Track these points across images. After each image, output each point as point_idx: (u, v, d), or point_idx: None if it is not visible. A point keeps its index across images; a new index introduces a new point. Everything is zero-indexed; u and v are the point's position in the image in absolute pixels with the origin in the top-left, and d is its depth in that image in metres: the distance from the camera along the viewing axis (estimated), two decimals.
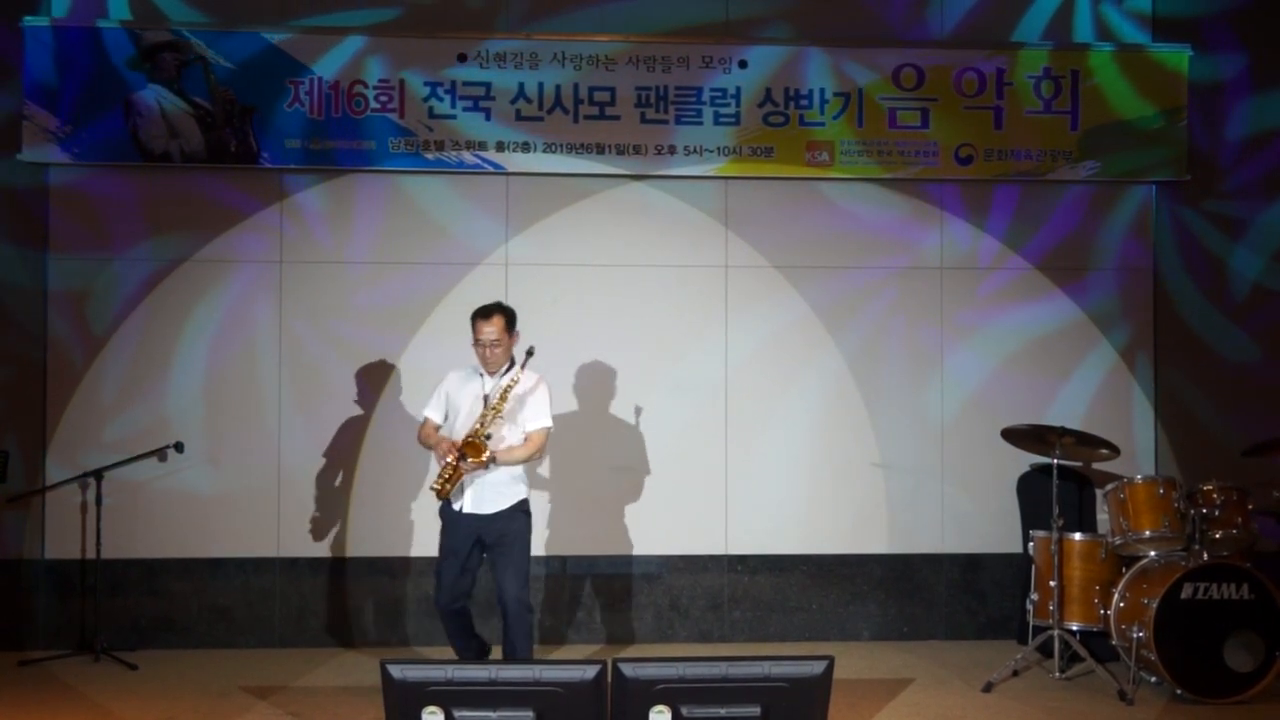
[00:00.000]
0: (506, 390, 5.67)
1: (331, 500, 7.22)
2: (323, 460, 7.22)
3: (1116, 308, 7.58)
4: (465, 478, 5.69)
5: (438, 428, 5.88)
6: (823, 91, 7.42)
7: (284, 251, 7.27)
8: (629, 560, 7.35)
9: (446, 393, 5.90)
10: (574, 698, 4.75)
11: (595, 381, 7.30)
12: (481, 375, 5.86)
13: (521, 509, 5.85)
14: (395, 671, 4.71)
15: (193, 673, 6.55)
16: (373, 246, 7.32)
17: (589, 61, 7.30)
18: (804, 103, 7.41)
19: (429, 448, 5.89)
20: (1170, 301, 7.58)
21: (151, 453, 6.85)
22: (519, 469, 5.85)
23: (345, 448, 7.23)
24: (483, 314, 5.83)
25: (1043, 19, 7.61)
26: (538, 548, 7.22)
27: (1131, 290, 7.58)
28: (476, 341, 5.81)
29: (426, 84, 7.22)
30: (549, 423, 5.90)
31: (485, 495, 5.75)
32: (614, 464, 7.33)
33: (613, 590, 7.35)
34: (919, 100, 7.45)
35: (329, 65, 7.16)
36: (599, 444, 7.31)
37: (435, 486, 5.68)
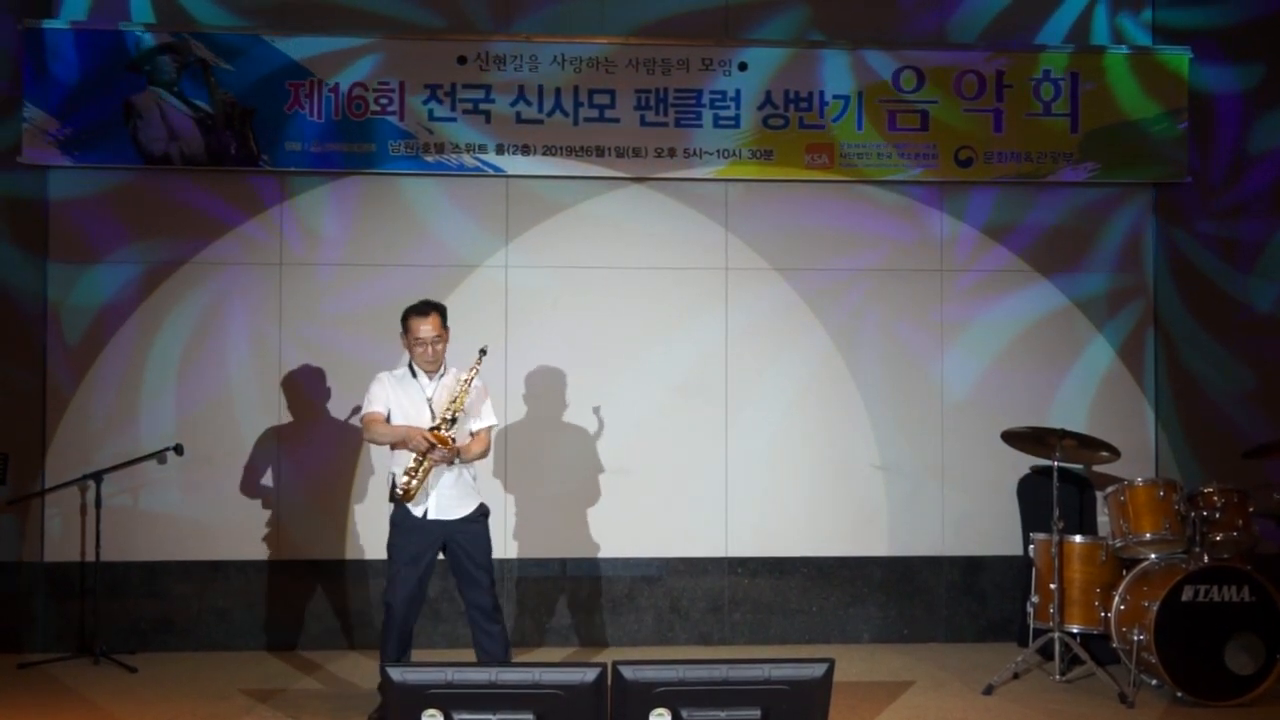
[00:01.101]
0: (468, 382, 5.61)
1: (330, 504, 7.18)
2: (322, 463, 7.19)
3: (1116, 310, 7.54)
4: (429, 480, 5.57)
5: (391, 425, 5.70)
6: (822, 94, 7.38)
7: (284, 254, 7.24)
8: (629, 563, 7.31)
9: (387, 391, 5.73)
10: (574, 700, 4.73)
11: (595, 384, 7.26)
12: (416, 376, 5.74)
13: (483, 513, 5.77)
14: (395, 674, 4.69)
15: (192, 675, 6.51)
16: (373, 249, 7.28)
17: (588, 64, 7.27)
18: (803, 105, 7.38)
19: (386, 441, 5.69)
20: (1169, 303, 7.54)
21: (151, 455, 6.82)
22: (472, 473, 5.76)
23: (345, 450, 7.19)
24: (420, 311, 5.71)
25: (1043, 22, 7.56)
26: (539, 551, 7.22)
27: (1131, 292, 7.54)
28: (417, 340, 5.66)
29: (426, 87, 7.18)
30: (495, 420, 5.89)
31: (449, 501, 5.66)
32: (614, 467, 7.31)
33: (613, 593, 7.32)
34: (919, 102, 7.42)
35: (329, 68, 7.12)
36: (599, 447, 7.28)
37: (402, 489, 5.55)
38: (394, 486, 5.63)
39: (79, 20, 7.08)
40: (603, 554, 7.29)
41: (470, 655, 5.95)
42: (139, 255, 7.16)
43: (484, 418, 5.82)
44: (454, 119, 7.20)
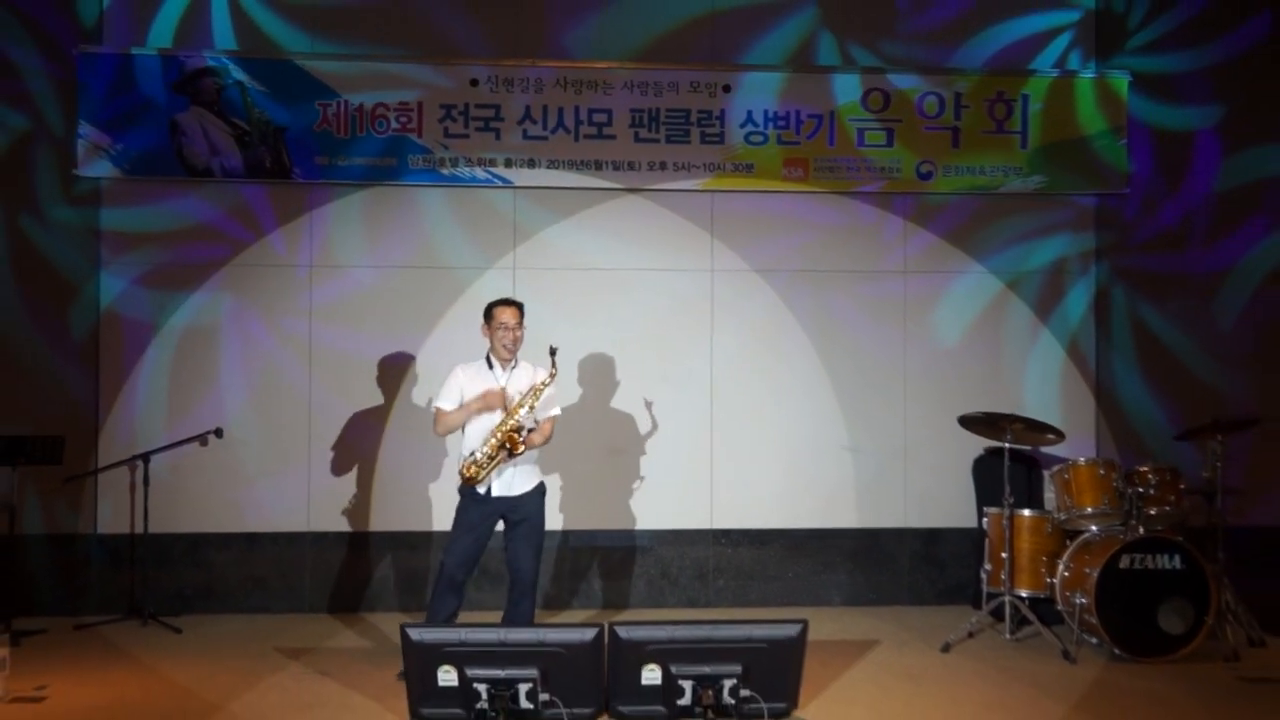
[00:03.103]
0: (542, 386, 5.68)
1: (357, 480, 7.18)
2: (349, 445, 7.18)
3: (1062, 307, 7.56)
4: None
5: (454, 412, 5.73)
6: (798, 113, 7.39)
7: (314, 257, 7.23)
8: (624, 535, 7.32)
9: (460, 385, 5.76)
10: (574, 657, 4.73)
11: (595, 374, 7.27)
12: (492, 368, 5.78)
13: (540, 491, 5.83)
14: (414, 634, 4.70)
15: (231, 636, 6.53)
16: (394, 253, 7.28)
17: (588, 86, 7.27)
18: (781, 123, 7.38)
19: (459, 424, 5.71)
20: (1110, 302, 7.56)
21: (194, 438, 6.81)
22: (535, 453, 5.82)
23: (369, 433, 7.19)
24: (505, 301, 5.83)
25: (996, 47, 7.57)
26: (546, 524, 7.21)
27: (1075, 291, 7.56)
28: (502, 325, 5.73)
29: (442, 106, 7.18)
30: (558, 411, 5.90)
31: (514, 479, 5.71)
32: (611, 448, 7.30)
33: (610, 561, 7.33)
34: (885, 121, 7.43)
35: (354, 89, 7.13)
36: (598, 431, 7.28)
37: (469, 472, 5.59)
38: (462, 470, 5.65)
39: (110, 47, 7.03)
40: (600, 526, 7.30)
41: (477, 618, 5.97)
42: (182, 259, 7.16)
43: (549, 408, 5.82)
44: (467, 135, 7.20)
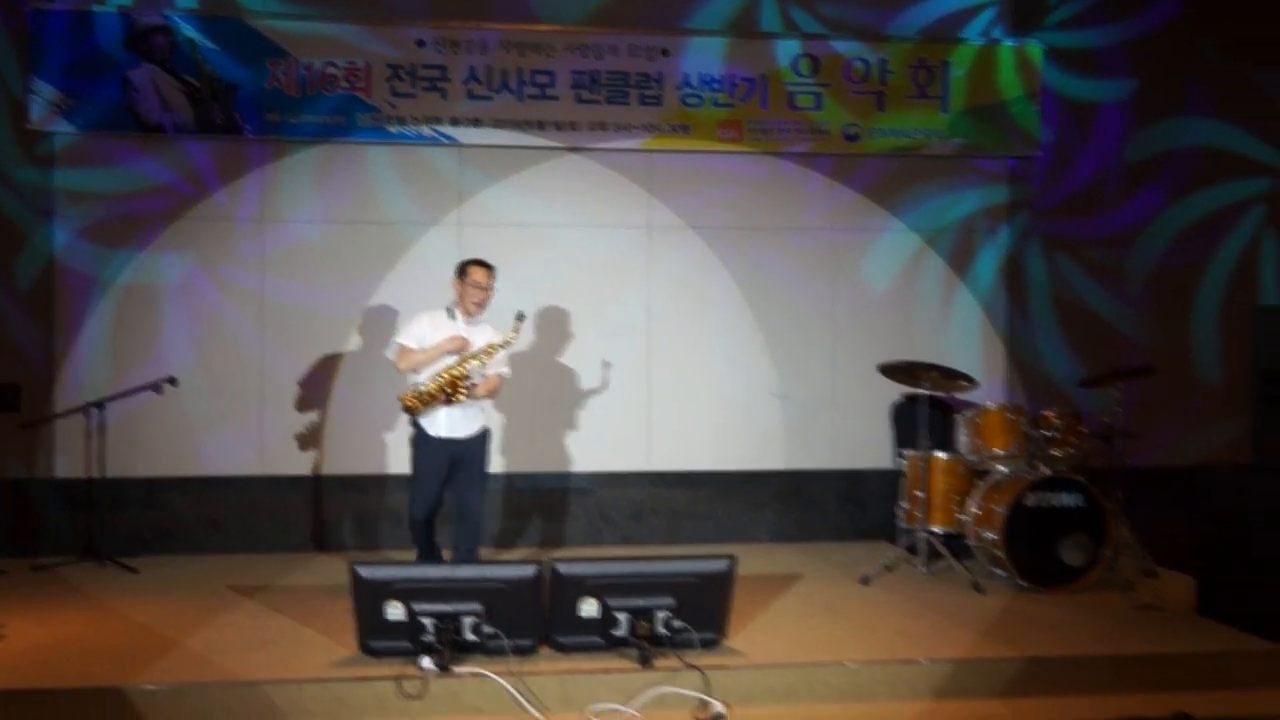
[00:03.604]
0: (499, 345, 5.72)
1: (309, 425, 7.13)
2: (300, 390, 7.12)
3: (978, 262, 7.65)
4: (441, 409, 5.70)
5: (417, 351, 5.78)
6: (733, 77, 7.37)
7: (264, 210, 7.12)
8: (565, 477, 7.36)
9: (424, 330, 5.79)
10: (516, 592, 4.79)
11: (537, 326, 7.25)
12: (455, 318, 5.81)
13: (485, 435, 5.92)
14: (362, 571, 4.72)
15: (187, 576, 6.47)
16: (343, 209, 7.18)
17: (532, 49, 7.20)
18: (716, 86, 7.36)
19: (422, 363, 5.72)
20: (1021, 256, 7.67)
21: (147, 386, 6.69)
22: (483, 400, 5.90)
23: (320, 381, 7.13)
24: (480, 262, 5.86)
25: (925, 18, 7.58)
26: (491, 467, 7.21)
27: (990, 247, 7.66)
28: (475, 284, 5.78)
29: (389, 67, 7.07)
30: (507, 371, 5.96)
31: (460, 422, 5.79)
32: (552, 397, 7.31)
33: (551, 503, 7.36)
34: (814, 86, 7.43)
35: (304, 49, 6.98)
36: (541, 380, 7.27)
37: (408, 400, 5.67)
38: (402, 397, 5.73)
39: (63, 2, 6.83)
40: (542, 470, 7.32)
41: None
42: (133, 213, 7.02)
43: (497, 365, 5.85)
44: (414, 95, 7.10)
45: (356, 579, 4.70)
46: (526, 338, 7.19)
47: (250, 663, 4.80)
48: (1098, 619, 5.63)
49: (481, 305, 5.82)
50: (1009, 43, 7.55)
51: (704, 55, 7.34)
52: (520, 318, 5.73)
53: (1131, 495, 6.38)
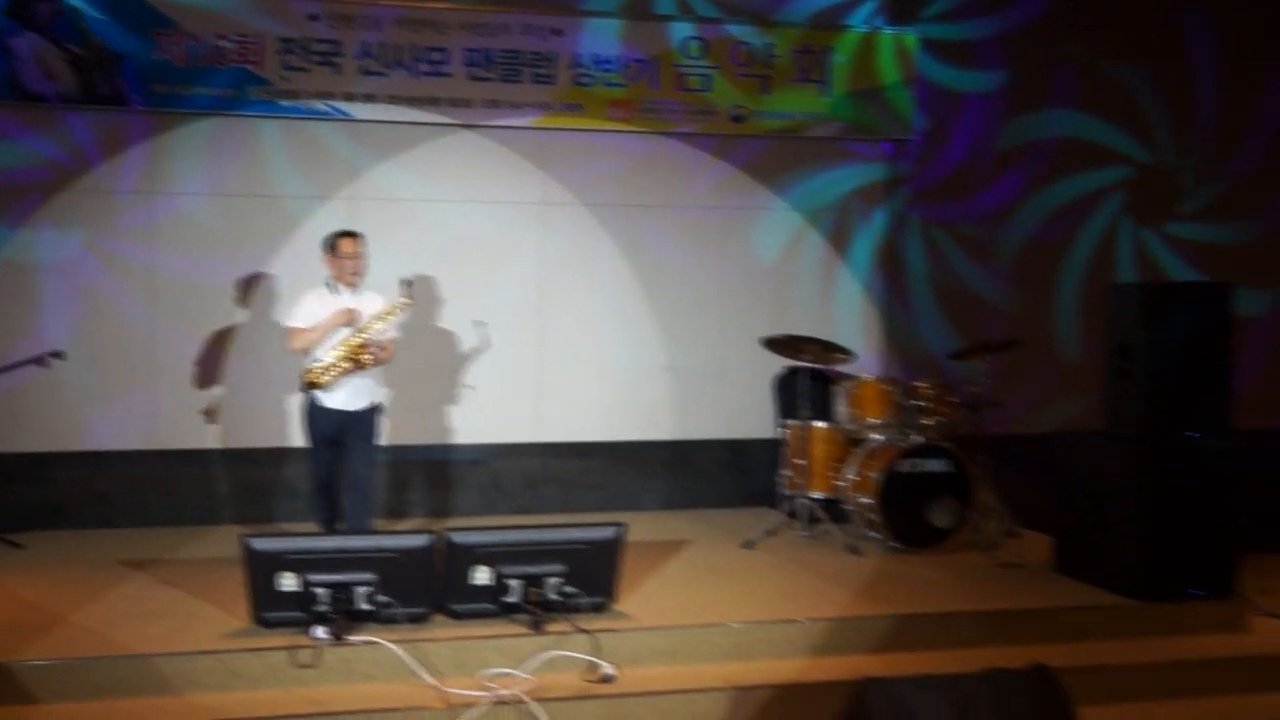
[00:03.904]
0: (394, 310, 5.74)
1: (201, 399, 6.92)
2: (191, 365, 6.91)
3: (858, 241, 7.78)
4: (339, 377, 5.68)
5: (310, 330, 5.75)
6: (624, 58, 7.33)
7: (152, 183, 6.86)
8: (459, 449, 7.30)
9: (311, 309, 5.77)
10: (409, 561, 4.74)
11: (431, 300, 7.15)
12: (337, 292, 5.77)
13: (376, 407, 5.89)
14: (254, 543, 4.62)
15: (77, 551, 6.25)
16: (234, 182, 6.96)
17: (426, 26, 7.04)
18: (608, 66, 7.32)
19: (316, 341, 5.70)
20: (898, 237, 7.82)
21: (31, 360, 6.39)
22: (374, 374, 5.87)
23: (213, 353, 6.92)
24: (347, 233, 5.83)
25: (810, 5, 7.63)
26: (386, 438, 7.11)
27: (868, 225, 7.79)
28: (345, 255, 5.75)
29: (281, 40, 6.85)
30: (397, 335, 5.95)
31: (353, 395, 5.76)
32: (447, 370, 7.24)
33: (445, 474, 7.30)
34: (702, 68, 7.45)
35: (193, 20, 6.72)
36: (435, 353, 7.19)
37: (313, 379, 5.63)
38: (305, 375, 5.68)
39: None
40: (436, 441, 7.26)
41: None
42: (19, 183, 6.68)
43: (391, 331, 5.86)
44: (307, 69, 6.91)
45: (248, 551, 4.60)
46: (421, 311, 7.10)
47: (141, 636, 4.67)
48: (964, 577, 5.82)
49: (358, 274, 5.79)
50: (888, 31, 7.67)
51: (597, 36, 7.28)
52: (407, 283, 5.73)
53: (996, 461, 6.59)
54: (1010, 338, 6.92)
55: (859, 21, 7.68)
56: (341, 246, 5.78)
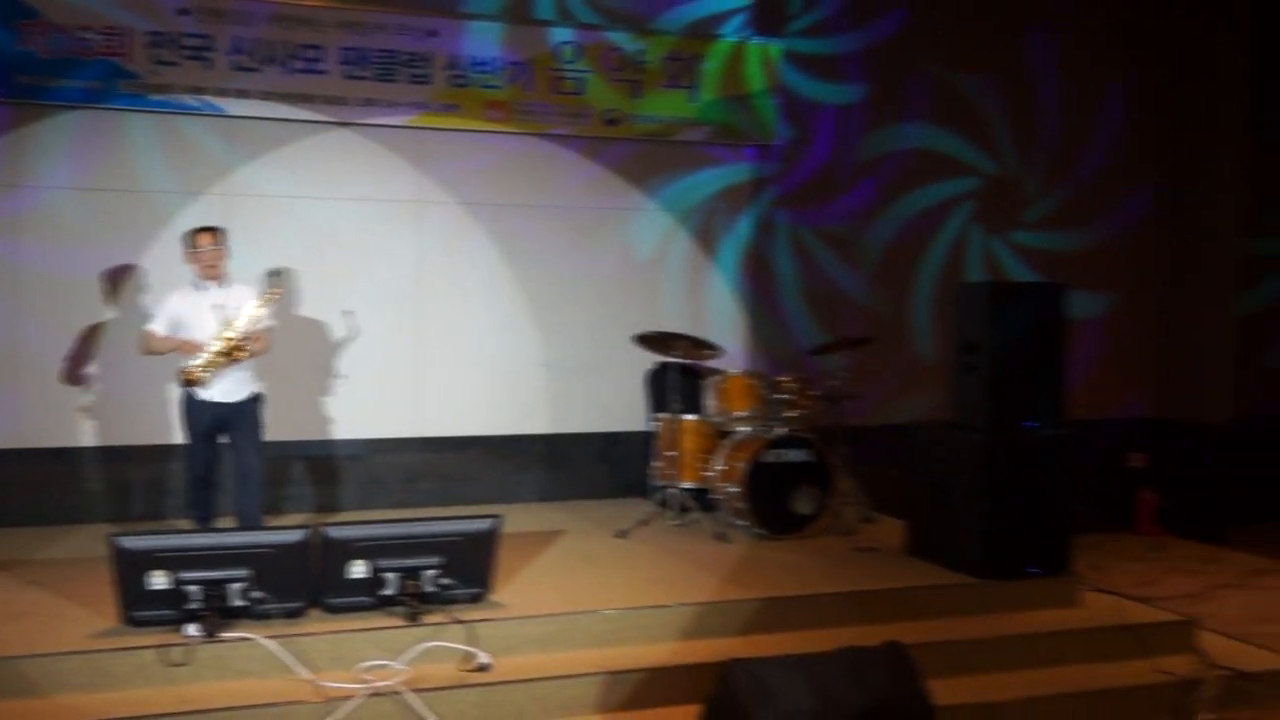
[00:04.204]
0: (268, 300, 5.63)
1: (68, 397, 6.61)
2: (60, 361, 6.59)
3: (724, 240, 7.88)
4: (214, 370, 5.57)
5: (165, 337, 5.65)
6: (500, 60, 7.28)
7: (17, 176, 6.53)
8: (338, 443, 7.15)
9: (171, 311, 5.67)
10: (284, 557, 4.63)
11: (309, 298, 6.99)
12: (202, 289, 5.66)
13: (257, 397, 5.79)
14: (122, 542, 4.44)
15: None
16: (102, 176, 6.66)
17: (300, 23, 6.86)
18: (483, 68, 7.25)
19: (161, 351, 5.65)
20: (761, 236, 7.94)
21: None
22: (252, 366, 5.76)
23: (82, 350, 6.62)
24: (204, 229, 5.71)
25: (686, 15, 7.69)
26: (265, 435, 6.92)
27: (733, 227, 7.89)
28: (202, 251, 5.64)
29: (150, 34, 6.59)
30: (273, 323, 5.83)
31: (230, 386, 5.65)
32: (325, 366, 7.08)
33: (324, 469, 7.14)
34: (576, 72, 7.44)
35: (59, 11, 6.40)
36: (313, 350, 7.02)
37: (191, 377, 5.53)
38: (183, 372, 5.56)
39: None
40: (315, 437, 7.09)
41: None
42: None
43: (265, 321, 5.74)
44: (177, 63, 6.66)
45: (116, 549, 4.42)
46: (297, 308, 6.93)
47: (3, 638, 4.44)
48: (824, 561, 5.95)
49: (215, 268, 5.67)
50: (755, 41, 7.79)
51: (473, 38, 7.20)
52: (274, 273, 5.65)
53: (854, 451, 6.76)
54: (867, 335, 7.13)
55: (730, 32, 7.79)
56: (198, 241, 5.67)
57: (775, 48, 7.82)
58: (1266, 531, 8.01)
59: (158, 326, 5.66)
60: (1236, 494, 8.30)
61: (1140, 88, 8.72)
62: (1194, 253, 8.58)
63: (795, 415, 6.67)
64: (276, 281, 5.70)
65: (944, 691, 4.34)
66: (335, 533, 4.74)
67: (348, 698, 4.20)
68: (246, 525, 5.65)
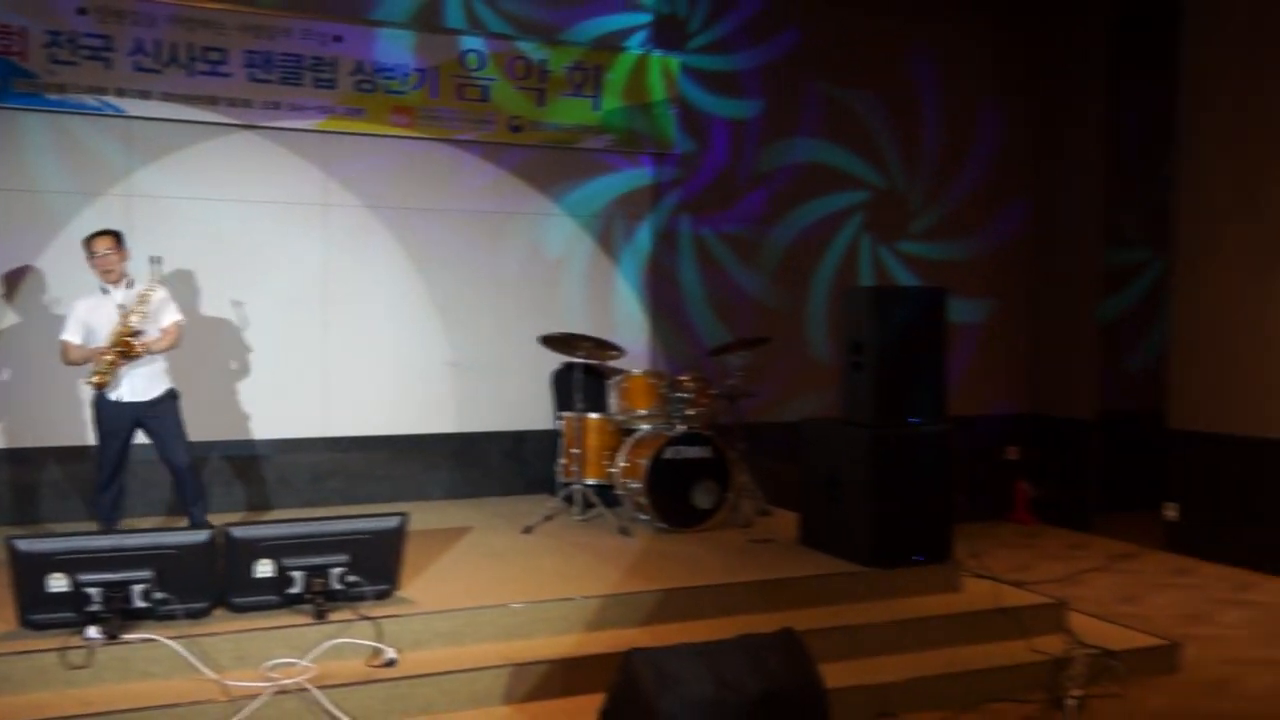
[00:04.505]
0: (147, 293, 5.49)
1: None
2: None
3: (626, 244, 7.91)
4: (122, 370, 5.42)
5: (80, 346, 5.51)
6: (406, 66, 7.19)
7: None
8: (244, 444, 6.97)
9: (81, 318, 5.51)
10: (188, 557, 4.50)
11: (211, 296, 6.81)
12: (108, 292, 5.51)
13: (171, 395, 5.67)
14: (20, 545, 4.27)
15: None
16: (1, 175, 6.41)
17: (202, 25, 6.68)
18: (389, 74, 7.16)
19: (82, 361, 5.49)
20: (662, 241, 8.00)
21: None
22: (162, 363, 5.65)
23: None
24: (99, 233, 5.56)
25: (592, 28, 7.70)
26: None
27: (635, 233, 7.94)
28: (99, 255, 5.50)
29: (48, 33, 6.34)
30: (180, 317, 5.71)
31: (140, 385, 5.52)
32: (230, 366, 6.90)
33: (231, 469, 6.96)
34: (481, 79, 7.40)
35: None
36: (218, 350, 6.84)
37: (95, 381, 5.39)
38: (89, 379, 5.44)
39: None
40: (222, 437, 6.90)
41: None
42: None
43: (170, 315, 5.63)
44: (76, 63, 6.42)
45: (13, 552, 4.24)
46: (203, 311, 6.74)
47: None
48: (722, 553, 6.01)
49: (112, 271, 5.54)
50: (657, 54, 7.84)
51: (378, 43, 7.10)
52: (155, 260, 5.51)
53: (750, 446, 6.87)
54: (765, 336, 7.23)
55: (633, 45, 7.82)
56: (94, 246, 5.53)
57: (675, 61, 7.89)
58: (1127, 519, 8.38)
59: (72, 336, 5.51)
60: (1101, 484, 8.68)
61: (1012, 114, 9.04)
62: (1061, 264, 8.94)
63: (695, 413, 6.72)
64: (157, 272, 5.53)
65: (835, 674, 4.42)
66: (240, 532, 4.63)
67: (254, 696, 4.10)
68: (197, 525, 5.54)
